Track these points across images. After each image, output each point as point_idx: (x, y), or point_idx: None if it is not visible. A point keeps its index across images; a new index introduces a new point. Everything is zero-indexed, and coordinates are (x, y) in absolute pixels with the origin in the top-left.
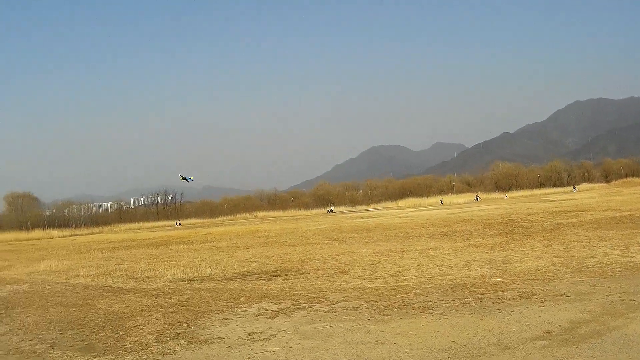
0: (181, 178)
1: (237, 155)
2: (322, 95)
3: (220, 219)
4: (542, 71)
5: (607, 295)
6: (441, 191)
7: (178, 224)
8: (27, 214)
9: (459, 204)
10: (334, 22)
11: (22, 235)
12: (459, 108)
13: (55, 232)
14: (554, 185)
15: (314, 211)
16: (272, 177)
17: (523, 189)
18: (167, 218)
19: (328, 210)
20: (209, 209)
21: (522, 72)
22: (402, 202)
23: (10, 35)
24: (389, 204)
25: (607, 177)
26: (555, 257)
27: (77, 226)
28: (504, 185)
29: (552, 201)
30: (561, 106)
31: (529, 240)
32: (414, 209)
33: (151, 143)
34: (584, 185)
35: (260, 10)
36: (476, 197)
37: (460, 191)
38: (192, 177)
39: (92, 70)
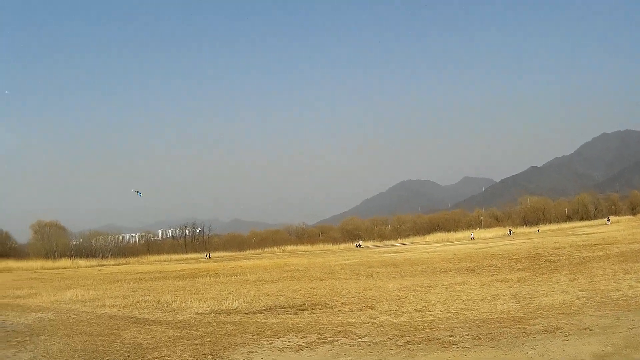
0: (136, 192)
1: (265, 189)
2: (351, 130)
3: (248, 252)
4: (569, 104)
5: (631, 329)
6: (469, 226)
7: (208, 256)
8: (54, 243)
9: (489, 239)
10: (360, 57)
11: (49, 263)
12: (486, 142)
13: (82, 262)
14: (582, 219)
15: (342, 246)
16: (300, 211)
17: (551, 222)
18: (195, 251)
19: (356, 245)
20: (237, 243)
21: (549, 105)
22: (430, 237)
23: (41, 66)
24: (417, 238)
25: (633, 210)
26: (580, 290)
27: (104, 256)
28: (531, 219)
29: (579, 234)
30: (588, 139)
31: (555, 274)
32: (442, 244)
33: (179, 176)
34: (611, 218)
35: (288, 46)
36: (509, 231)
37: (489, 226)
38: (141, 193)
39: (124, 102)
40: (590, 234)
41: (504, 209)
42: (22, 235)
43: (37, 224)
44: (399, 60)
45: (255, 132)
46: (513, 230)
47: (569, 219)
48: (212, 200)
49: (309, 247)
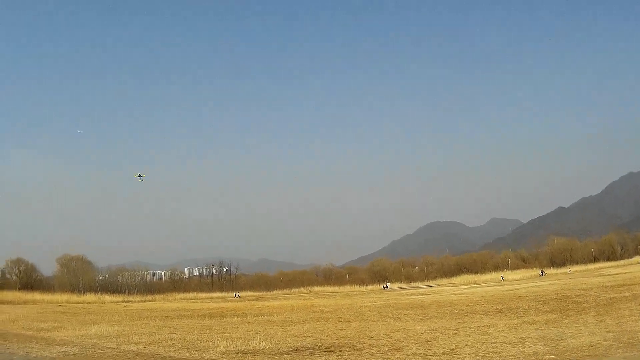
0: (136, 177)
1: (293, 228)
2: (378, 171)
3: (275, 292)
4: (595, 143)
5: None
6: (497, 267)
7: (237, 295)
8: (79, 277)
9: (518, 280)
10: (389, 98)
11: (74, 297)
12: (514, 183)
13: (107, 297)
14: (608, 259)
15: (370, 287)
16: (328, 252)
17: (578, 263)
18: (222, 289)
19: (383, 287)
20: (264, 282)
21: (576, 145)
22: (457, 279)
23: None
24: (445, 280)
25: None
26: (608, 332)
27: (130, 293)
28: (558, 260)
29: (605, 275)
30: (615, 178)
31: (582, 315)
32: (469, 286)
33: (207, 215)
34: (637, 258)
35: (312, 85)
36: (541, 272)
37: (516, 267)
38: (142, 175)
39: (151, 139)
40: (617, 274)
41: (531, 250)
42: (47, 267)
43: (64, 258)
44: (425, 101)
45: (283, 172)
46: (545, 271)
47: (595, 259)
48: (240, 239)
49: (336, 289)
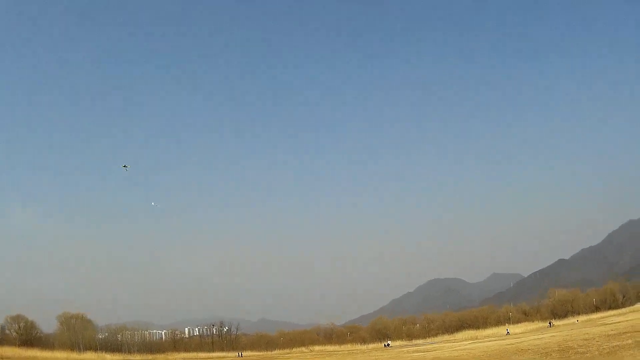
0: (123, 167)
1: (293, 288)
2: (377, 230)
3: (276, 352)
4: (594, 194)
5: None
6: (498, 322)
7: (240, 355)
8: (79, 335)
9: (522, 333)
10: (386, 156)
11: (74, 355)
12: (514, 238)
13: (108, 356)
14: (610, 308)
15: (371, 345)
16: (328, 310)
17: (579, 314)
18: (222, 349)
19: (385, 345)
20: (264, 342)
21: (574, 196)
22: (459, 335)
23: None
24: (446, 336)
25: None
26: None
27: (130, 352)
28: (560, 312)
29: (608, 324)
30: (615, 227)
31: None
32: (470, 341)
33: (205, 273)
34: (638, 305)
35: (311, 146)
36: (549, 324)
37: (517, 321)
38: (127, 166)
39: (151, 197)
40: (619, 322)
41: (532, 303)
42: (48, 324)
43: (64, 315)
44: (425, 158)
45: (281, 231)
46: (553, 322)
47: (597, 309)
48: (239, 298)
49: (337, 347)
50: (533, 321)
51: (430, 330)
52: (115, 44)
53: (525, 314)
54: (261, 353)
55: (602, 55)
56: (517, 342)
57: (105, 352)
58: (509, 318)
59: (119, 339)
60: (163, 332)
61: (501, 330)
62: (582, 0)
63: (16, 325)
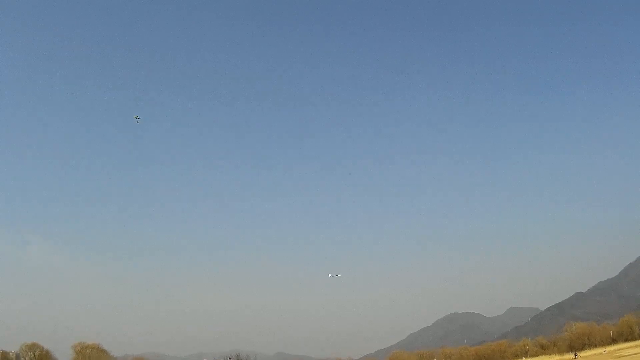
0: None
1: (309, 321)
2: (395, 263)
3: None
4: (611, 227)
5: None
6: (515, 356)
7: None
8: None
9: None
10: (403, 189)
11: None
12: (531, 272)
13: None
14: (626, 340)
15: None
16: (346, 344)
17: (596, 346)
18: None
19: None
20: None
21: (593, 229)
22: None
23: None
24: None
25: None
26: None
27: None
28: (577, 345)
29: (624, 356)
30: (632, 259)
31: None
32: None
33: (224, 306)
34: None
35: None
36: (575, 355)
37: (534, 354)
38: (139, 118)
39: (166, 229)
40: (635, 354)
41: (550, 337)
42: (63, 354)
43: (79, 345)
44: (442, 192)
45: (296, 264)
46: (579, 354)
47: (614, 341)
48: (256, 331)
49: None
50: (550, 354)
51: None
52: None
53: (542, 347)
54: None
55: (623, 89)
56: None
57: None
58: (526, 352)
59: None
60: None
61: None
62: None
63: (31, 353)
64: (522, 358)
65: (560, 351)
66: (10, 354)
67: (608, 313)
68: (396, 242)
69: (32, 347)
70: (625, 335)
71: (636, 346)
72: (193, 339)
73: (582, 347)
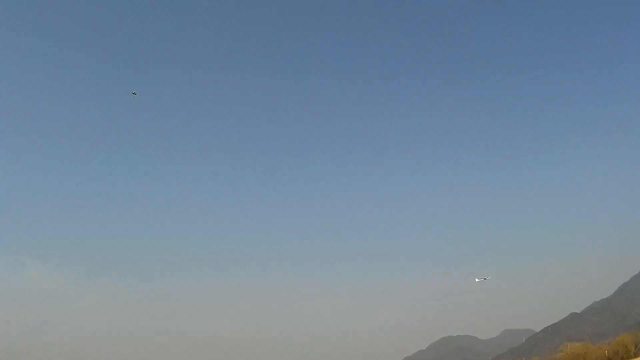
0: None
1: (305, 345)
2: (389, 287)
3: None
4: (605, 246)
5: None
6: None
7: None
8: None
9: None
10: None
11: None
12: (525, 293)
13: None
14: (622, 359)
15: None
16: None
17: None
18: None
19: None
20: None
21: (585, 249)
22: None
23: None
24: None
25: None
26: None
27: None
28: None
29: None
30: (626, 279)
31: None
32: None
33: (219, 331)
34: None
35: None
36: None
37: None
38: (135, 93)
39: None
40: None
41: (545, 358)
42: None
43: None
44: (434, 217)
45: (288, 287)
46: None
47: None
48: (246, 356)
49: None
50: None
51: None
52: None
53: None
54: None
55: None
56: None
57: None
58: None
59: None
60: None
61: None
62: None
63: None
64: None
65: None
66: None
67: (603, 333)
68: (390, 265)
69: None
70: (621, 354)
71: None
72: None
73: None
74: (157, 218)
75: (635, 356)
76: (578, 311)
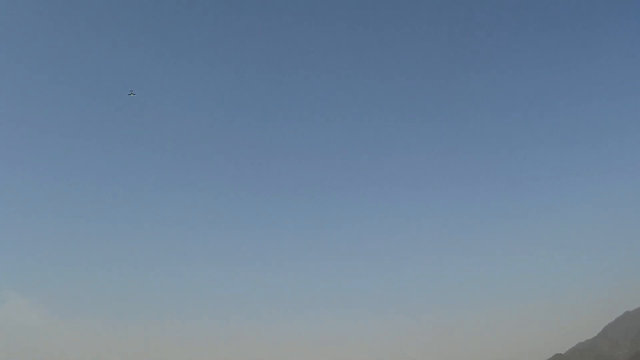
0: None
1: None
2: (373, 333)
3: None
4: (590, 286)
5: None
6: None
7: None
8: None
9: None
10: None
11: None
12: (508, 334)
13: None
14: None
15: None
16: None
17: None
18: None
19: None
20: None
21: (570, 290)
22: None
23: None
24: None
25: None
26: None
27: None
28: None
29: None
30: (611, 319)
31: None
32: None
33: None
34: None
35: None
36: None
37: None
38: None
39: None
40: None
41: None
42: None
43: None
44: (415, 262)
45: (270, 323)
46: None
47: None
48: None
49: None
50: None
51: None
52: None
53: None
54: None
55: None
56: None
57: None
58: None
59: None
60: None
61: None
62: None
63: None
64: None
65: None
66: None
67: None
68: (372, 310)
69: None
70: None
71: None
72: None
73: None
74: (146, 255)
75: None
76: (562, 352)
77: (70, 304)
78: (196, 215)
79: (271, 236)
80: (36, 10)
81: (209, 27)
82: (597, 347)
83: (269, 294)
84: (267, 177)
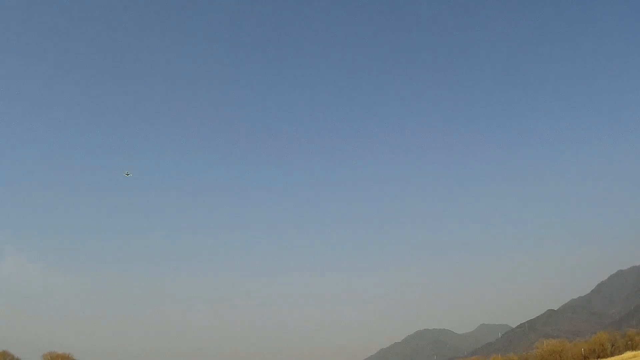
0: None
1: (280, 337)
2: (365, 279)
3: None
4: (584, 245)
5: None
6: None
7: None
8: None
9: None
10: (373, 210)
11: None
12: (503, 289)
13: None
14: (598, 357)
15: None
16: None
17: None
18: None
19: None
20: None
21: (564, 247)
22: None
23: None
24: None
25: None
26: None
27: None
28: None
29: None
30: (604, 277)
31: None
32: None
33: (205, 323)
34: (628, 354)
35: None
36: None
37: None
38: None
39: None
40: None
41: (521, 354)
42: None
43: (50, 355)
44: (412, 214)
45: (264, 281)
46: None
47: (585, 358)
48: (227, 348)
49: None
50: None
51: None
52: None
53: None
54: None
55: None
56: None
57: None
58: None
59: None
60: None
61: None
62: None
63: None
64: None
65: None
66: None
67: (580, 330)
68: (367, 258)
69: (3, 355)
70: (597, 353)
71: None
72: (171, 353)
73: None
74: (143, 211)
75: (612, 355)
76: (555, 308)
77: (65, 257)
78: (192, 168)
79: (276, 188)
80: None
81: None
82: (590, 304)
83: (272, 246)
84: (270, 130)
